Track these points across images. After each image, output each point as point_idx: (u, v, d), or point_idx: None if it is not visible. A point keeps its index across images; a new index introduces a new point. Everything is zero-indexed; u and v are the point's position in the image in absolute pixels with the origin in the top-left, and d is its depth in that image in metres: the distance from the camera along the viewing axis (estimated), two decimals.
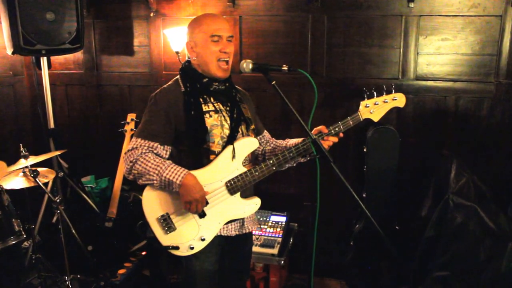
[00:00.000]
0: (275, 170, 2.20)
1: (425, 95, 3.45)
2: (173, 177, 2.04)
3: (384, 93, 2.24)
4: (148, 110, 2.20)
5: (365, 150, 3.33)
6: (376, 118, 2.24)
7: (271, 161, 2.18)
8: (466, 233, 2.55)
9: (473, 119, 3.39)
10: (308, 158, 2.20)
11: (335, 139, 2.19)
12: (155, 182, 2.07)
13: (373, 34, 3.48)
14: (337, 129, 2.18)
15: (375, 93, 2.24)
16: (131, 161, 2.11)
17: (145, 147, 2.12)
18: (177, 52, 3.67)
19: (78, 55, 4.14)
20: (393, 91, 2.25)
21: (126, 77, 4.10)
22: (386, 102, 2.23)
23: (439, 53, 3.38)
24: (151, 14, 3.88)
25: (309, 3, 3.51)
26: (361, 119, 2.22)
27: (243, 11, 3.67)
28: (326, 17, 3.53)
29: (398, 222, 3.34)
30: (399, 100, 2.25)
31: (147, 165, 2.08)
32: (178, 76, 2.27)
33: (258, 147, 2.41)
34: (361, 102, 2.22)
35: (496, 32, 3.25)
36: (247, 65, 2.10)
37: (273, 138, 2.52)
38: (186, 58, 2.31)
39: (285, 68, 2.04)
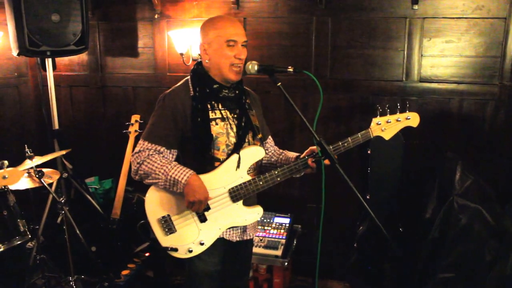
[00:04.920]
0: (280, 181, 2.19)
1: (429, 97, 3.45)
2: (179, 177, 2.06)
3: (398, 111, 2.20)
4: (156, 112, 2.19)
5: (369, 152, 3.33)
6: (387, 136, 2.20)
7: (276, 172, 2.18)
8: (471, 234, 2.55)
9: (477, 121, 3.39)
10: (315, 171, 2.18)
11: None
12: (160, 181, 2.09)
13: (377, 36, 3.48)
14: (345, 144, 2.17)
15: (388, 110, 2.19)
16: (138, 163, 2.13)
17: (152, 150, 2.14)
18: (181, 54, 3.68)
19: (83, 56, 4.15)
20: (407, 110, 2.20)
21: (131, 79, 4.12)
22: (399, 121, 2.18)
23: (443, 55, 3.39)
24: (156, 16, 3.89)
25: (313, 6, 3.52)
26: (372, 137, 2.19)
27: (248, 13, 3.68)
28: (330, 19, 3.54)
29: (402, 224, 3.34)
30: (412, 119, 2.20)
31: (153, 165, 2.10)
32: (188, 77, 2.25)
33: (265, 156, 2.40)
34: (373, 119, 2.19)
35: (500, 34, 3.25)
36: (252, 66, 2.10)
37: (275, 147, 2.50)
38: (198, 60, 2.28)
39: (290, 69, 2.04)
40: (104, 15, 4.06)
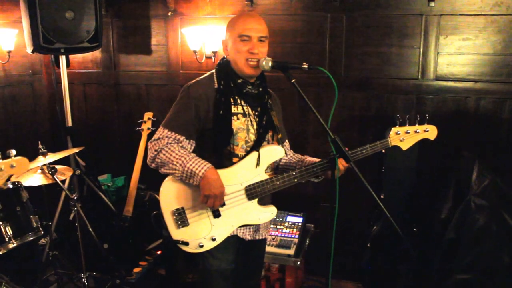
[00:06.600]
0: (296, 182, 2.18)
1: (445, 95, 3.39)
2: (196, 169, 2.03)
3: (417, 123, 2.25)
4: (178, 101, 2.19)
5: (383, 150, 3.28)
6: (405, 147, 2.25)
7: (294, 173, 2.16)
8: (489, 235, 2.50)
9: (494, 120, 3.33)
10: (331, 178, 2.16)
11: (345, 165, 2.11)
12: (177, 172, 2.07)
13: (392, 33, 3.43)
14: (364, 151, 2.18)
15: (407, 121, 2.24)
16: (156, 150, 2.11)
17: (171, 139, 2.12)
18: (194, 51, 3.67)
19: (96, 54, 4.17)
20: (426, 122, 2.25)
21: (144, 76, 4.12)
22: (418, 132, 2.24)
23: (460, 53, 3.33)
24: (169, 13, 3.89)
25: (328, 3, 3.49)
26: (390, 146, 2.23)
27: (261, 10, 3.66)
28: (344, 16, 3.50)
29: (417, 224, 3.29)
30: (430, 132, 2.26)
31: (171, 155, 2.07)
32: (213, 71, 2.26)
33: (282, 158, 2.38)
34: (392, 129, 2.22)
35: None
36: (266, 62, 2.08)
37: (291, 151, 2.49)
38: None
39: (305, 66, 2.01)
40: (118, 12, 4.07)
